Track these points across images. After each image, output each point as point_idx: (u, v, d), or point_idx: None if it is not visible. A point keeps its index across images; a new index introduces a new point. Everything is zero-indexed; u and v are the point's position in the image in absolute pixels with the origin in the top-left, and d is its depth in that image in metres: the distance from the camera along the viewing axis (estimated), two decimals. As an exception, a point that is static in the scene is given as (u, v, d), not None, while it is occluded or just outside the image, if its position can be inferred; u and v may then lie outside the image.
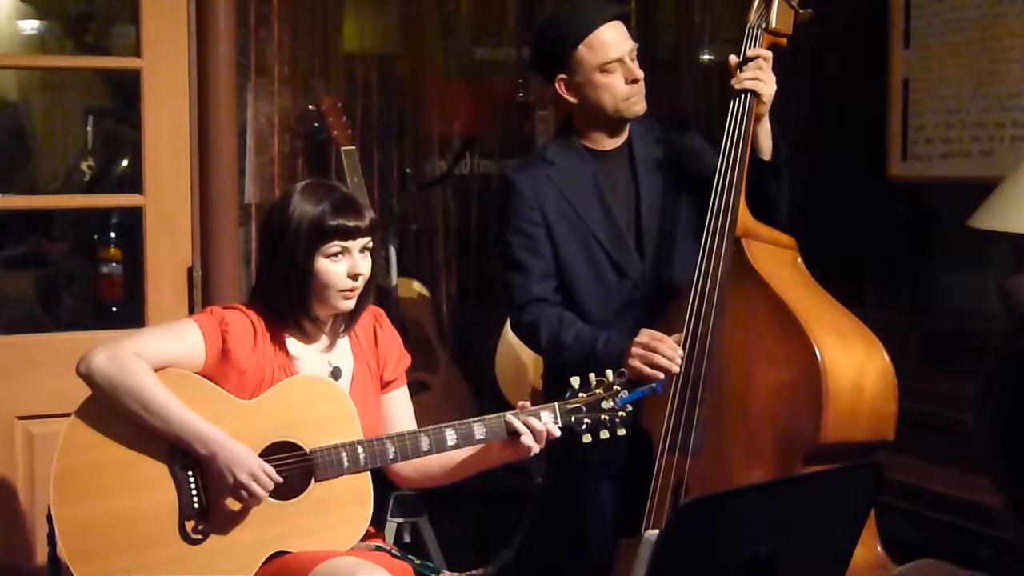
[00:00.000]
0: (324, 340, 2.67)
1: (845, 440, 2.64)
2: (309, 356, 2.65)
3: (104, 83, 4.91)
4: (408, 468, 2.71)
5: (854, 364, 2.65)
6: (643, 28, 4.72)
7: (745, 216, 2.80)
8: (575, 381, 2.62)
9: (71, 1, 5.11)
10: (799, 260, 2.86)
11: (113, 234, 4.47)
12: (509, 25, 4.79)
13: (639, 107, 2.95)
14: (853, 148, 4.21)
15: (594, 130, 2.99)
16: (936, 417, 3.19)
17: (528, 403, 2.63)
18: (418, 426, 2.72)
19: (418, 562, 2.63)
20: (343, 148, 4.03)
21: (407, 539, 3.91)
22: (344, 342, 2.70)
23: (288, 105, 4.37)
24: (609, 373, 2.64)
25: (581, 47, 2.90)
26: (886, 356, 2.70)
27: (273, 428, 2.53)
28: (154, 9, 3.42)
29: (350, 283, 2.58)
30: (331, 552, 2.49)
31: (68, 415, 2.53)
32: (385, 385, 2.74)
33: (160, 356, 2.51)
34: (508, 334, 3.89)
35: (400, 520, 3.91)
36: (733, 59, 2.89)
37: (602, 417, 2.61)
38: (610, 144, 3.01)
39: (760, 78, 2.83)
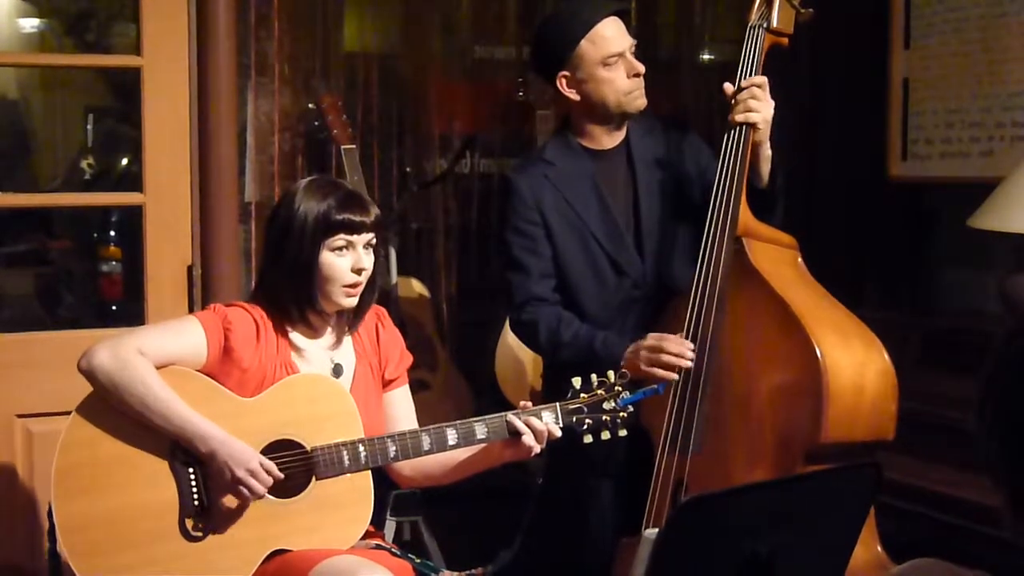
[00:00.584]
0: (329, 337, 2.67)
1: (846, 440, 2.64)
2: (312, 353, 2.65)
3: (104, 81, 4.91)
4: (408, 467, 2.71)
5: (855, 364, 2.66)
6: (643, 28, 4.72)
7: (746, 215, 2.81)
8: (576, 381, 2.62)
9: (71, -1, 5.12)
10: (799, 260, 2.86)
11: (113, 232, 4.46)
12: (510, 24, 4.79)
13: (640, 101, 2.95)
14: (853, 148, 4.21)
15: (594, 128, 2.99)
16: (936, 417, 3.19)
17: (529, 403, 2.63)
18: (419, 425, 2.72)
19: (418, 561, 2.63)
20: (343, 147, 4.02)
21: (407, 538, 3.92)
22: (346, 340, 2.70)
23: (288, 104, 4.37)
24: (611, 374, 2.64)
25: (583, 42, 2.90)
26: (886, 356, 2.70)
27: (274, 426, 2.53)
28: (154, 7, 3.41)
29: (353, 277, 2.58)
30: (331, 550, 2.49)
31: (68, 413, 2.53)
32: (387, 384, 2.75)
33: (162, 353, 2.51)
34: (508, 333, 3.90)
35: (400, 519, 3.92)
36: (728, 88, 2.86)
37: (603, 418, 2.61)
38: (609, 143, 3.01)
39: (754, 108, 2.80)
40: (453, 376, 4.34)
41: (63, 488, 2.50)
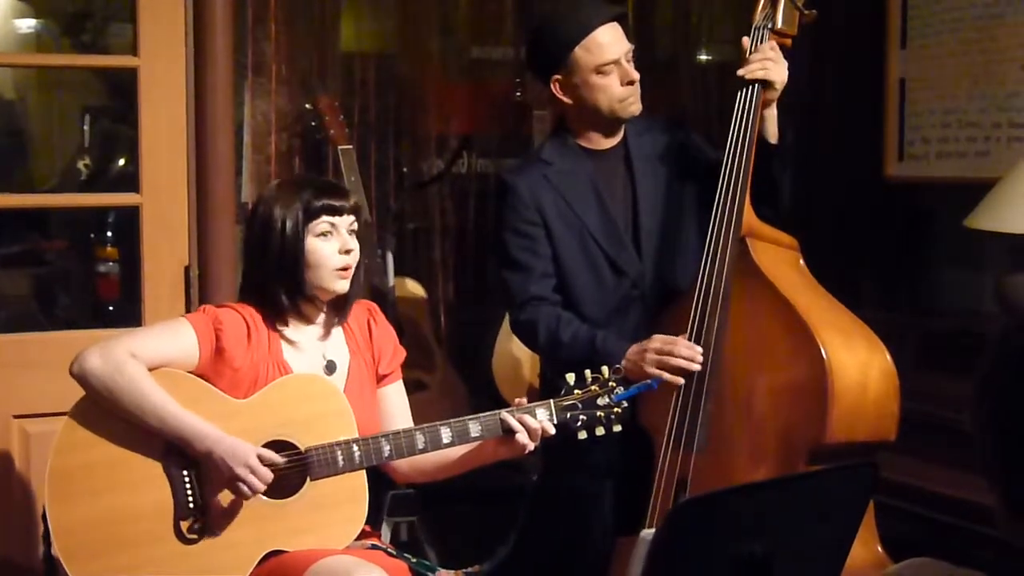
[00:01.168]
0: (320, 329, 2.67)
1: (849, 440, 2.64)
2: (305, 349, 2.65)
3: (101, 82, 4.90)
4: (403, 463, 2.71)
5: (859, 364, 2.66)
6: (641, 28, 4.72)
7: (749, 216, 2.80)
8: (570, 377, 2.63)
9: (68, 0, 5.11)
10: (801, 261, 2.86)
11: (110, 233, 4.46)
12: (507, 24, 4.78)
13: (634, 108, 2.94)
14: (850, 148, 4.21)
15: (589, 130, 2.99)
16: (933, 416, 3.19)
17: (524, 400, 2.63)
18: (414, 422, 2.72)
19: (414, 560, 2.63)
20: (340, 147, 4.02)
21: (404, 538, 3.91)
22: (339, 336, 2.70)
23: (285, 104, 4.37)
24: (605, 369, 2.63)
25: (578, 49, 2.89)
26: (888, 357, 2.70)
27: (268, 427, 2.53)
28: (151, 8, 3.41)
29: (343, 260, 2.59)
30: (326, 551, 2.49)
31: (64, 414, 2.53)
32: (381, 379, 2.75)
33: (154, 356, 2.51)
34: (505, 333, 3.89)
35: (397, 519, 3.91)
36: (745, 41, 2.86)
37: (598, 414, 2.61)
38: (606, 143, 3.01)
39: (769, 66, 2.80)
40: (450, 376, 4.34)
41: (57, 491, 2.50)
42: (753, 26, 2.90)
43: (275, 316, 2.62)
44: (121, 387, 2.46)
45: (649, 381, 2.65)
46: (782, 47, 2.90)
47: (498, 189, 3.05)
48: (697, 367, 2.73)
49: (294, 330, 2.64)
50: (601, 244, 2.95)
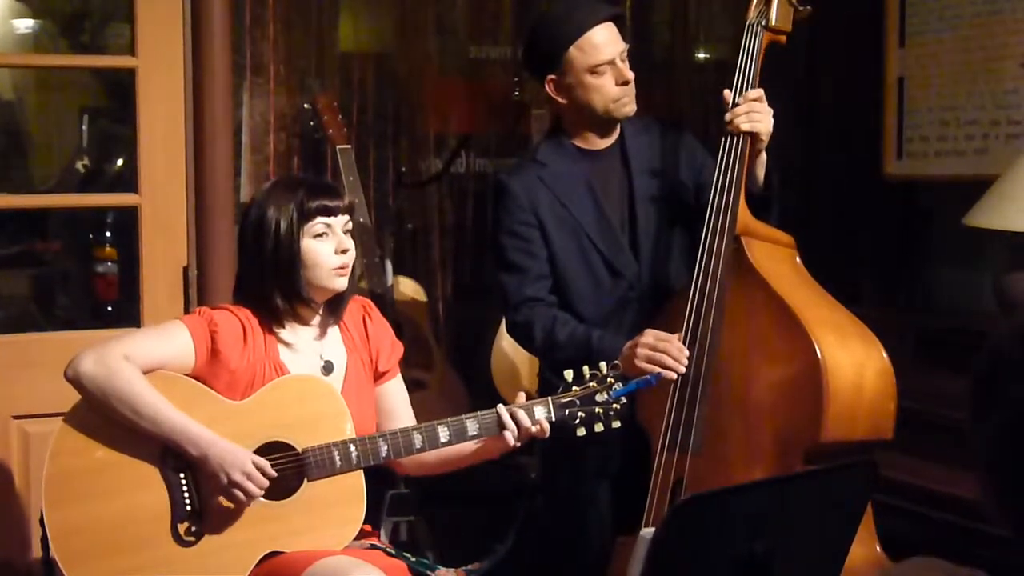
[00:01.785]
0: (315, 329, 2.67)
1: (845, 439, 2.64)
2: (301, 350, 2.64)
3: (99, 82, 4.90)
4: (405, 459, 2.70)
5: (854, 363, 2.65)
6: (637, 27, 4.71)
7: (744, 214, 2.80)
8: (568, 375, 2.62)
9: (66, 0, 5.10)
10: (797, 259, 2.86)
11: (108, 233, 4.45)
12: (505, 23, 4.78)
13: (629, 108, 2.94)
14: (848, 146, 4.21)
15: (584, 130, 2.99)
16: (931, 415, 3.18)
17: (523, 395, 2.63)
18: (415, 417, 2.72)
19: (413, 559, 2.63)
20: (339, 147, 4.02)
21: (403, 538, 3.91)
22: (336, 336, 2.70)
23: (284, 104, 4.37)
24: (603, 366, 2.63)
25: (572, 49, 2.89)
26: (885, 355, 2.70)
27: (265, 428, 2.53)
28: (149, 8, 3.41)
29: (340, 259, 2.58)
30: (325, 552, 2.49)
31: (63, 415, 2.53)
32: (379, 376, 2.74)
33: (149, 358, 2.51)
34: (504, 333, 3.89)
35: (396, 519, 3.91)
36: (728, 95, 2.83)
37: (596, 410, 2.61)
38: (601, 143, 3.00)
39: (755, 118, 2.78)
40: (449, 376, 4.34)
41: (54, 495, 2.49)
42: (747, 23, 2.89)
43: (271, 319, 2.61)
44: (115, 390, 2.45)
45: (648, 377, 2.65)
46: (776, 44, 2.90)
47: (494, 191, 3.05)
48: (683, 370, 2.72)
49: (290, 332, 2.64)
50: (597, 245, 2.95)
